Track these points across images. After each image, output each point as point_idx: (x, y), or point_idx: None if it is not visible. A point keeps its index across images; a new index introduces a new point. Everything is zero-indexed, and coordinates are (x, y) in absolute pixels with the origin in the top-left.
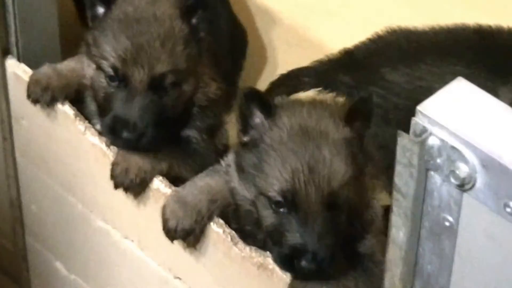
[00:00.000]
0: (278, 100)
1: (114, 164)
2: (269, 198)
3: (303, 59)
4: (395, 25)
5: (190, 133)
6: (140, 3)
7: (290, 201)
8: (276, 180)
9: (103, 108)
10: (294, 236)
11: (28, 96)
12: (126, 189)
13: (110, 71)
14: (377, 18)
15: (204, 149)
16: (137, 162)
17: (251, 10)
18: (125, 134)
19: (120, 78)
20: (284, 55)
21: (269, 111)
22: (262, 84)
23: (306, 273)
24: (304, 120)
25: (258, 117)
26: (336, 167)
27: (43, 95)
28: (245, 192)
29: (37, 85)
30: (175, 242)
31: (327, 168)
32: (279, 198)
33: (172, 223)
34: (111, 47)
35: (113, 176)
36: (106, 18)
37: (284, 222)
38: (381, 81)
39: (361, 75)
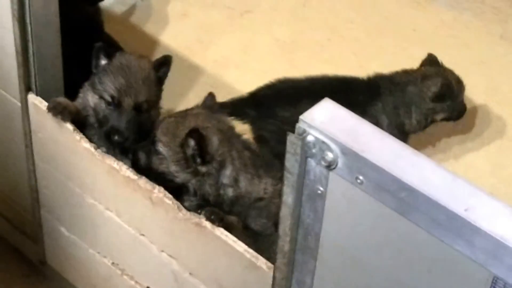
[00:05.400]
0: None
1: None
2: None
3: (221, 98)
4: (283, 74)
5: None
6: (130, 58)
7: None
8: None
9: (102, 124)
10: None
11: (51, 110)
12: None
13: (109, 98)
14: (269, 70)
15: None
16: None
17: (181, 65)
18: (116, 138)
19: (115, 103)
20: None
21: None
22: None
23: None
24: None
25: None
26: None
27: (63, 112)
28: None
29: (59, 105)
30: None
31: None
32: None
33: None
34: (111, 83)
35: None
36: (108, 66)
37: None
38: (277, 116)
39: (261, 110)
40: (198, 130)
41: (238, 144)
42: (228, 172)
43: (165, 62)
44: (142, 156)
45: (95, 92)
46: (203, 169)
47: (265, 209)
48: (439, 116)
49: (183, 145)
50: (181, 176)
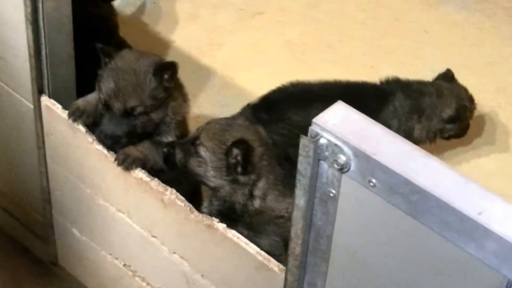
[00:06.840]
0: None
1: (119, 153)
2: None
3: (231, 99)
4: (293, 76)
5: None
6: (127, 60)
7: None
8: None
9: (99, 123)
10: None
11: (70, 116)
12: (126, 168)
13: (102, 101)
14: (280, 71)
15: None
16: (133, 152)
17: (191, 66)
18: (105, 140)
19: (106, 106)
20: (218, 96)
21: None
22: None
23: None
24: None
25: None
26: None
27: (82, 117)
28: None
29: (77, 111)
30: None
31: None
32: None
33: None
34: (104, 86)
35: (117, 159)
36: (107, 66)
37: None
38: (288, 120)
39: (274, 114)
40: (246, 141)
41: (274, 159)
42: (261, 184)
43: (167, 67)
44: (179, 153)
45: (98, 90)
46: (242, 178)
47: (282, 227)
48: (445, 134)
49: (228, 153)
50: (216, 182)
